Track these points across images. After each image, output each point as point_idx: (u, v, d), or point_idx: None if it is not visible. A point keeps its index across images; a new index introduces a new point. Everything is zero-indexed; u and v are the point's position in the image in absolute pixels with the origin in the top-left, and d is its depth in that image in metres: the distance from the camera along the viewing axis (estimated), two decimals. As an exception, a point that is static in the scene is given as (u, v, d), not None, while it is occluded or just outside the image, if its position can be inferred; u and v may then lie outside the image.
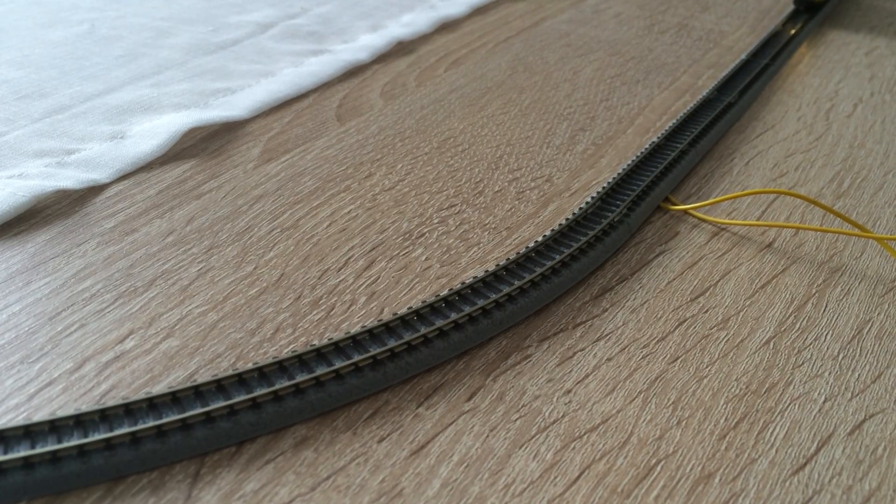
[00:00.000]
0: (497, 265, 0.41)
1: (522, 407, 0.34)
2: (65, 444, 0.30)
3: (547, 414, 0.34)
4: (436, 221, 0.47)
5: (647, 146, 0.53)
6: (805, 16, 0.79)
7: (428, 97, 0.63)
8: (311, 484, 0.30)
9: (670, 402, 0.35)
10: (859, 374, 0.37)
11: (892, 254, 0.45)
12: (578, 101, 0.63)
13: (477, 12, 0.83)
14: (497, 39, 0.76)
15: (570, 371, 0.36)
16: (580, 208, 0.46)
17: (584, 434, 0.33)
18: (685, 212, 0.48)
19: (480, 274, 0.40)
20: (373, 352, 0.35)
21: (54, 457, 0.30)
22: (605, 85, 0.66)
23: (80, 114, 0.57)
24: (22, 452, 0.29)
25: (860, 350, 0.38)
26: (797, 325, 0.40)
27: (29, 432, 0.31)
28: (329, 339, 0.35)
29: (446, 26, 0.78)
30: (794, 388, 0.36)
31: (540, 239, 0.43)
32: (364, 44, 0.71)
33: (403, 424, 0.33)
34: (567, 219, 0.45)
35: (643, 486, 0.31)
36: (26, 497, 0.29)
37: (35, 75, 0.62)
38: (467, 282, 0.39)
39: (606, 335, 0.38)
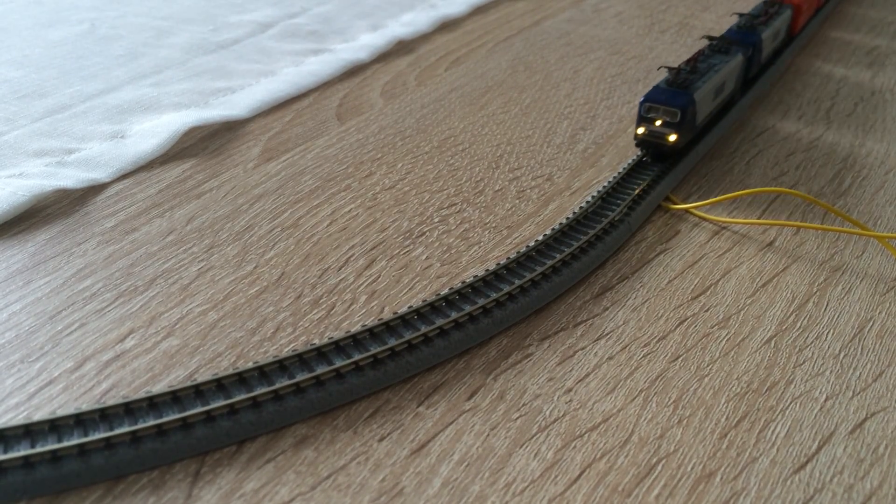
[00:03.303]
0: (497, 264, 0.41)
1: (523, 406, 0.34)
2: (65, 444, 0.30)
3: (548, 413, 0.34)
4: (436, 220, 0.46)
5: (647, 145, 0.53)
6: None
7: (428, 96, 0.63)
8: (311, 483, 0.30)
9: (671, 400, 0.35)
10: (860, 373, 0.37)
11: (893, 252, 0.45)
12: (579, 100, 0.63)
13: (477, 11, 0.83)
14: (497, 39, 0.76)
15: (571, 370, 0.36)
16: (581, 207, 0.46)
17: (585, 433, 0.33)
18: (686, 211, 0.48)
19: (481, 273, 0.40)
20: (373, 351, 0.35)
21: (54, 456, 0.30)
22: (606, 84, 0.66)
23: (81, 113, 0.57)
24: (22, 452, 0.29)
25: (861, 349, 0.38)
26: (798, 324, 0.39)
27: (29, 431, 0.31)
28: (329, 338, 0.35)
29: (446, 25, 0.78)
30: (795, 386, 0.36)
31: (541, 238, 0.43)
32: (364, 43, 0.71)
33: (404, 423, 0.33)
34: (568, 218, 0.45)
35: (644, 484, 0.31)
36: (26, 496, 0.29)
37: (35, 75, 0.62)
38: (468, 281, 0.39)
39: (607, 334, 0.38)
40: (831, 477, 0.32)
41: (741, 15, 0.63)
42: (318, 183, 0.50)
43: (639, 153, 0.52)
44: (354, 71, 0.67)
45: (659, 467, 0.32)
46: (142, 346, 0.36)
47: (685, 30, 0.80)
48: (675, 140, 0.49)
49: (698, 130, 0.53)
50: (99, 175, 0.50)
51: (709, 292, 0.42)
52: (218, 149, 0.54)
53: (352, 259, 0.43)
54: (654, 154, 0.51)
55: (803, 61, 0.73)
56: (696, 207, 0.48)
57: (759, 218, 0.48)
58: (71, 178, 0.48)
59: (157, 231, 0.45)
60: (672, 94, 0.49)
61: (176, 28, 0.73)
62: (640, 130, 0.50)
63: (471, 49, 0.73)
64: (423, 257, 0.43)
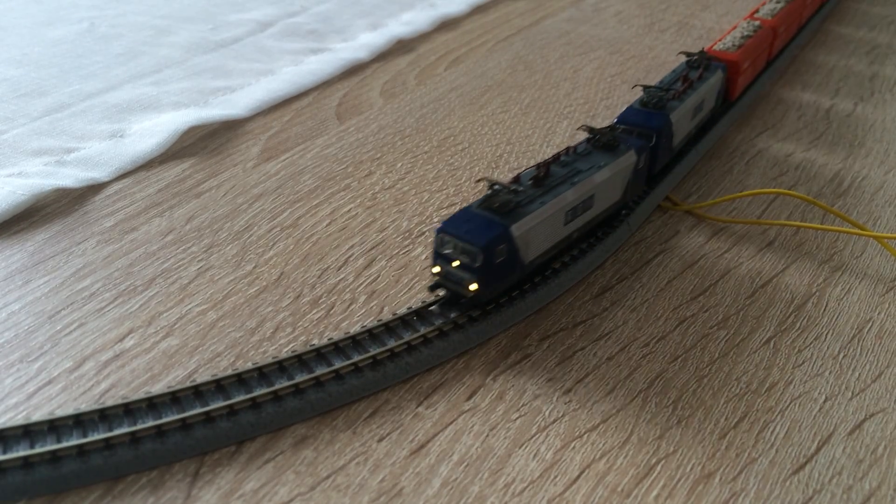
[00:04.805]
0: (497, 264, 0.40)
1: (522, 406, 0.34)
2: (64, 444, 0.30)
3: (547, 413, 0.34)
4: (436, 220, 0.46)
5: (647, 145, 0.52)
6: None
7: (428, 96, 0.62)
8: (310, 483, 0.30)
9: (670, 401, 0.35)
10: (860, 374, 0.37)
11: (893, 253, 0.45)
12: (579, 100, 0.62)
13: (477, 11, 0.83)
14: (497, 38, 0.75)
15: (571, 370, 0.36)
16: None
17: (585, 433, 0.33)
18: (686, 211, 0.48)
19: (480, 273, 0.40)
20: (372, 352, 0.35)
21: (54, 456, 0.30)
22: (606, 83, 0.66)
23: (80, 112, 0.56)
24: (21, 452, 0.29)
25: (860, 349, 0.38)
26: (797, 325, 0.39)
27: (28, 432, 0.30)
28: (329, 339, 0.35)
29: (446, 25, 0.78)
30: (794, 387, 0.36)
31: (540, 238, 0.43)
32: (364, 42, 0.71)
33: (403, 424, 0.33)
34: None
35: (643, 485, 0.31)
36: (26, 496, 0.29)
37: (34, 73, 0.62)
38: (467, 281, 0.39)
39: (607, 334, 0.38)
40: (830, 478, 0.32)
41: (646, 87, 0.48)
42: (318, 182, 0.50)
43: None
44: (354, 70, 0.67)
45: (658, 468, 0.32)
46: (141, 345, 0.36)
47: (685, 29, 0.80)
48: (478, 291, 0.35)
49: (530, 270, 0.38)
50: (98, 174, 0.49)
51: (708, 292, 0.42)
52: (217, 148, 0.54)
53: (351, 259, 0.43)
54: (449, 301, 0.37)
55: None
56: (695, 208, 0.48)
57: (758, 218, 0.48)
58: (70, 177, 0.48)
59: (156, 230, 0.45)
60: (480, 223, 0.35)
61: (175, 27, 0.73)
62: (436, 269, 0.36)
63: (471, 48, 0.73)
64: (423, 257, 0.43)
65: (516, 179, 0.38)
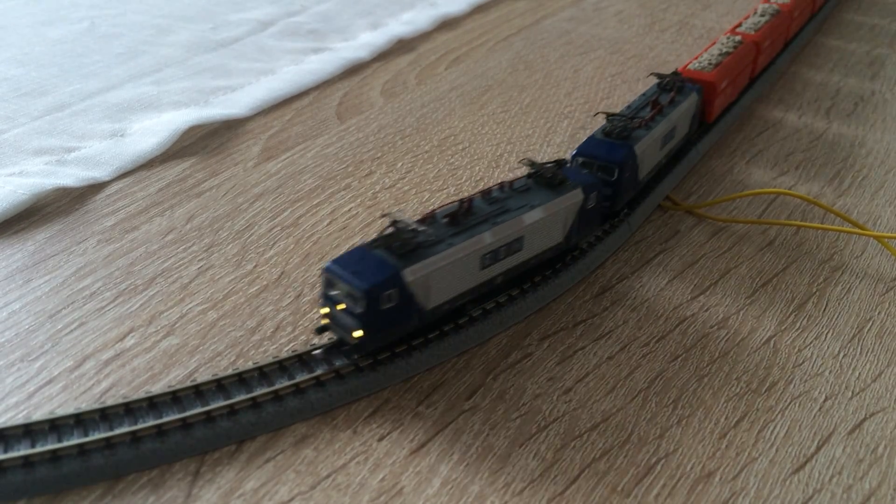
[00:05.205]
0: (497, 264, 0.40)
1: (523, 405, 0.34)
2: (65, 443, 0.30)
3: (547, 412, 0.34)
4: (436, 220, 0.46)
5: (647, 144, 0.52)
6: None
7: (428, 95, 0.62)
8: (311, 482, 0.30)
9: (671, 400, 0.35)
10: (860, 373, 0.37)
11: (893, 252, 0.45)
12: (579, 100, 0.63)
13: (477, 10, 0.83)
14: (498, 37, 0.75)
15: (571, 369, 0.36)
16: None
17: (585, 433, 0.33)
18: (686, 211, 0.48)
19: (480, 272, 0.40)
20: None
21: (54, 456, 0.30)
22: (606, 83, 0.66)
23: (80, 111, 0.57)
24: (22, 451, 0.29)
25: (861, 349, 0.38)
26: (797, 324, 0.40)
27: (29, 431, 0.31)
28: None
29: (447, 24, 0.78)
30: (794, 386, 0.36)
31: (540, 237, 0.43)
32: (364, 42, 0.71)
33: (403, 423, 0.33)
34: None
35: (643, 484, 0.31)
36: (26, 496, 0.29)
37: (35, 73, 0.62)
38: (467, 280, 0.39)
39: (607, 334, 0.38)
40: (830, 477, 0.32)
41: (609, 115, 0.44)
42: (318, 182, 0.50)
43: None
44: (354, 69, 0.67)
45: (658, 467, 0.32)
46: (141, 345, 0.36)
47: (685, 29, 0.79)
48: (363, 339, 0.32)
49: (438, 316, 0.35)
50: (99, 173, 0.50)
51: (708, 292, 0.42)
52: (218, 147, 0.54)
53: (352, 258, 0.43)
54: (332, 348, 0.34)
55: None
56: (695, 207, 0.48)
57: (758, 218, 0.48)
58: (71, 176, 0.48)
59: (156, 230, 0.45)
60: (370, 264, 0.32)
61: (176, 26, 0.73)
62: (324, 311, 0.33)
63: (471, 48, 0.73)
64: (423, 257, 0.43)
65: (431, 215, 0.35)
